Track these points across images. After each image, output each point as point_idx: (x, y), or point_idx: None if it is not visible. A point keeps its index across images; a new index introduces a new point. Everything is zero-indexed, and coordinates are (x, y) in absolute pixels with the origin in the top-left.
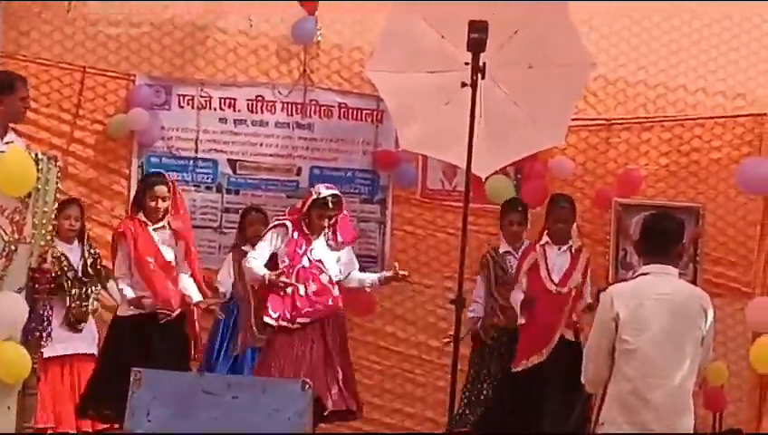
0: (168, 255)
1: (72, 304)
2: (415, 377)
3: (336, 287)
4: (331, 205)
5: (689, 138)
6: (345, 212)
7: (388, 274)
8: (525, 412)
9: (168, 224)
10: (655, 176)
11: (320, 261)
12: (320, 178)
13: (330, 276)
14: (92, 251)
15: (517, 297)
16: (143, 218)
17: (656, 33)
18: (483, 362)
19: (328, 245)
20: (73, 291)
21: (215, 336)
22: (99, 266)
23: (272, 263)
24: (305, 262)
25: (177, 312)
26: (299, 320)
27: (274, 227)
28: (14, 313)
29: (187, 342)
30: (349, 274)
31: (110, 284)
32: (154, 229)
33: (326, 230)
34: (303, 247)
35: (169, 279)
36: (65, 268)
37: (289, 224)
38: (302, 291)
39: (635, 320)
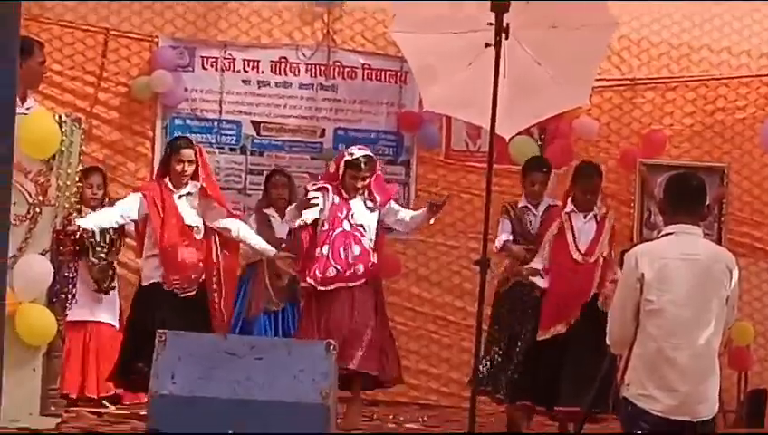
0: (190, 218)
1: (95, 270)
2: (440, 338)
3: (375, 254)
4: (364, 166)
5: (714, 97)
6: (379, 172)
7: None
8: (551, 379)
9: (196, 187)
10: (679, 136)
11: (361, 225)
12: (344, 139)
13: (370, 241)
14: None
15: (536, 267)
16: (168, 184)
17: None
18: (505, 323)
19: (367, 207)
20: (96, 256)
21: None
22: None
23: (311, 227)
24: (346, 226)
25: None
26: (337, 284)
27: (319, 189)
28: (39, 275)
29: (207, 315)
30: (405, 219)
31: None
32: (178, 197)
33: (362, 192)
34: (345, 212)
35: (188, 244)
36: (91, 233)
37: (330, 187)
38: (341, 254)
39: (660, 280)
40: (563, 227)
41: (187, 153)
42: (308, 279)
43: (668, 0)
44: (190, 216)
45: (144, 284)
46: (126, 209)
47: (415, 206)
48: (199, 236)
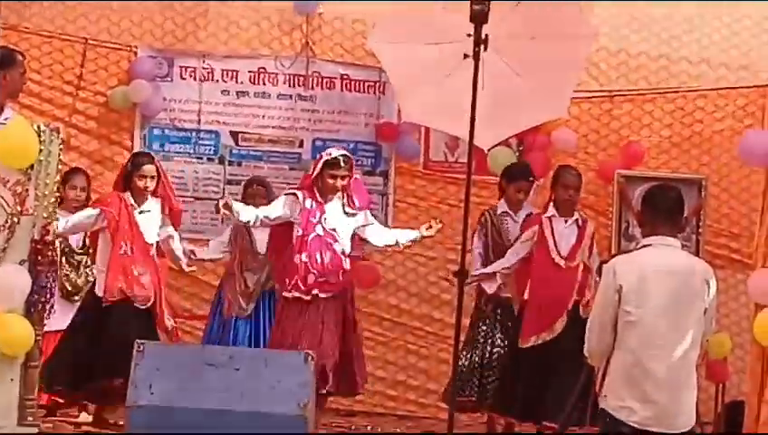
0: (150, 236)
1: (64, 276)
2: (418, 349)
3: (347, 261)
4: (342, 163)
5: (692, 109)
6: (357, 176)
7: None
8: (532, 387)
9: (157, 204)
10: (657, 147)
11: (334, 230)
12: (322, 149)
13: (343, 248)
14: None
15: (511, 260)
16: (130, 201)
17: (658, 3)
18: (485, 331)
19: (345, 212)
20: (66, 262)
21: (213, 304)
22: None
23: (282, 229)
24: (319, 230)
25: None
26: (312, 292)
27: (286, 195)
28: (17, 285)
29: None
30: (379, 235)
31: None
32: (140, 213)
33: (341, 195)
34: (318, 216)
35: (141, 263)
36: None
37: (300, 193)
38: (317, 260)
39: (637, 291)
40: (543, 232)
41: (150, 169)
42: (292, 292)
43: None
44: (150, 233)
45: (100, 296)
46: (86, 219)
47: (393, 216)
48: (153, 253)
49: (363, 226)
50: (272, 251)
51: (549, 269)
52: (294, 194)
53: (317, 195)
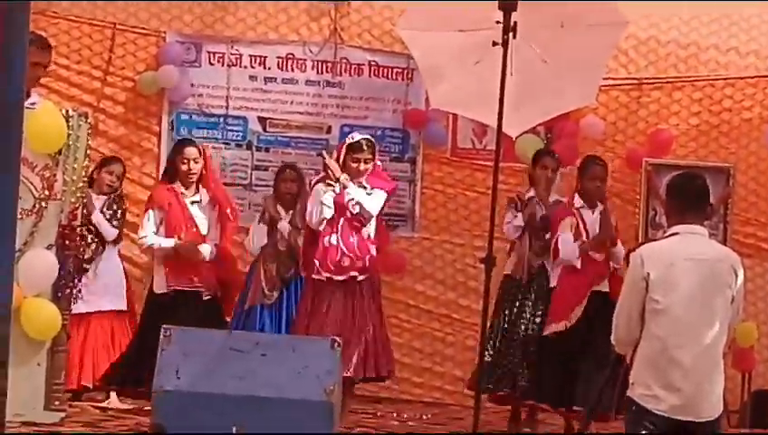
0: (203, 227)
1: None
2: (444, 336)
3: (374, 247)
4: (365, 147)
5: (720, 97)
6: (379, 164)
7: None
8: (558, 377)
9: (204, 193)
10: (685, 136)
11: (360, 214)
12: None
13: (369, 233)
14: (116, 209)
15: (567, 248)
16: (179, 188)
17: None
18: (506, 320)
19: (366, 193)
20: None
21: (241, 294)
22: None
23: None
24: (348, 214)
25: (209, 295)
26: (351, 272)
27: (315, 183)
28: (44, 269)
29: (222, 318)
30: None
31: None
32: (191, 202)
33: (364, 178)
34: (345, 200)
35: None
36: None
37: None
38: (352, 241)
39: (665, 280)
40: (577, 224)
41: (191, 151)
42: (324, 273)
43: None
44: (203, 224)
45: (157, 291)
46: (153, 226)
47: (421, 203)
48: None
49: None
50: (306, 241)
51: (581, 260)
52: (321, 181)
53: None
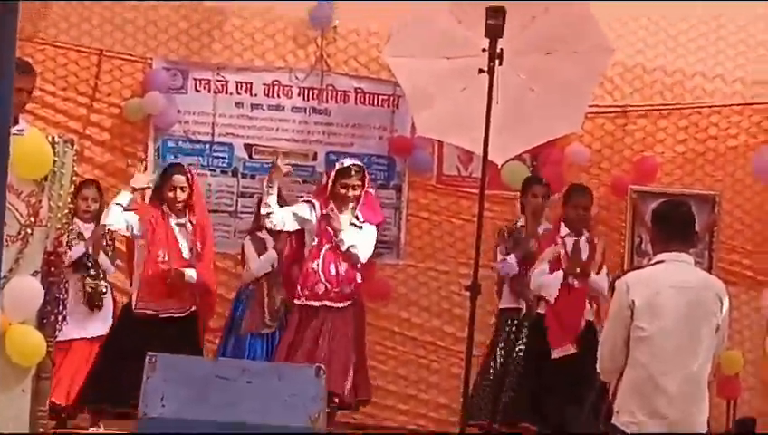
0: (185, 250)
1: (87, 284)
2: (429, 363)
3: (359, 274)
4: (354, 173)
5: (706, 125)
6: (371, 192)
7: None
8: (545, 402)
9: (189, 219)
10: (671, 163)
11: (343, 241)
12: (335, 163)
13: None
14: (108, 241)
15: (540, 279)
16: (166, 210)
17: (674, 18)
18: (503, 353)
19: (352, 224)
20: (90, 271)
21: (228, 320)
22: (108, 247)
23: (298, 238)
24: (333, 241)
25: (188, 311)
26: (324, 301)
27: (303, 201)
28: (29, 296)
29: (198, 339)
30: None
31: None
32: (177, 224)
33: (352, 205)
34: (341, 232)
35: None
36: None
37: (316, 202)
38: (330, 270)
39: (650, 307)
40: (562, 251)
41: (179, 179)
42: (303, 299)
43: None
44: (185, 247)
45: (133, 308)
46: (131, 220)
47: (406, 230)
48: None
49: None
50: (287, 259)
51: (562, 288)
52: (310, 202)
53: (331, 204)
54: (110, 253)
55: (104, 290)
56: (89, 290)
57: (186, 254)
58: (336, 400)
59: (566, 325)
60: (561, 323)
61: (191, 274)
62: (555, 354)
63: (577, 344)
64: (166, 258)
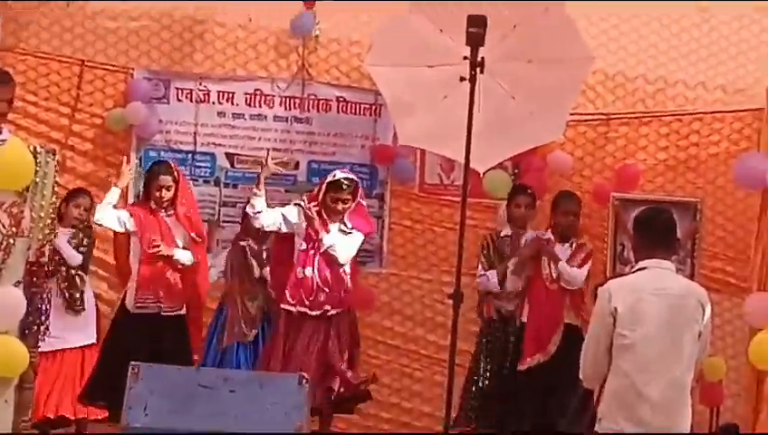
0: (179, 239)
1: (66, 291)
2: (412, 372)
3: (348, 279)
4: (344, 187)
5: (687, 133)
6: (363, 202)
7: None
8: (529, 407)
9: (175, 212)
10: (653, 171)
11: (331, 248)
12: (317, 172)
13: (344, 267)
14: (82, 238)
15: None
16: (154, 206)
17: (655, 26)
18: (484, 358)
19: (340, 229)
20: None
21: (210, 331)
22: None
23: (286, 244)
24: (322, 248)
25: (177, 311)
26: (325, 307)
27: (294, 204)
28: (11, 306)
29: (188, 338)
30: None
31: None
32: (166, 216)
33: (342, 217)
34: (322, 231)
35: (172, 267)
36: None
37: (305, 206)
38: (326, 276)
39: (632, 315)
40: (540, 255)
41: (165, 180)
42: (296, 307)
43: None
44: (179, 235)
45: (129, 307)
46: (122, 217)
47: (388, 239)
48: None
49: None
50: (275, 263)
51: (541, 292)
52: (299, 205)
53: (323, 214)
54: (81, 249)
55: (82, 289)
56: (66, 295)
57: (180, 243)
58: (341, 389)
59: (542, 330)
60: (537, 329)
61: (183, 255)
62: (520, 366)
63: (559, 349)
64: (161, 247)
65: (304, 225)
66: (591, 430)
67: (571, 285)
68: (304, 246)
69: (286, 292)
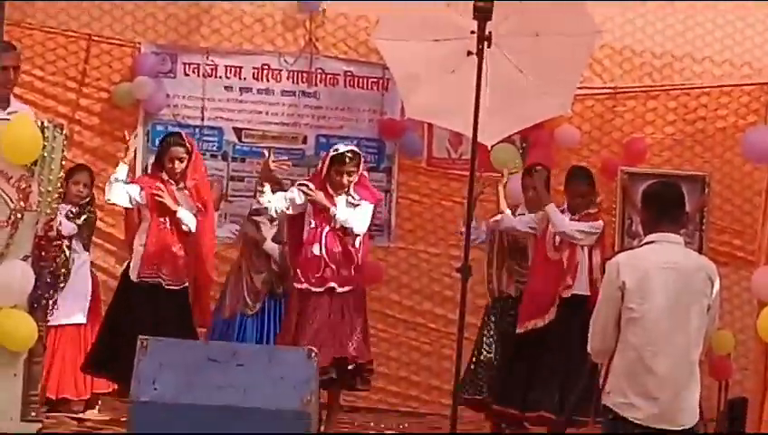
0: (188, 210)
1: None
2: (420, 345)
3: (359, 257)
4: (348, 160)
5: (695, 106)
6: (365, 174)
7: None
8: (533, 383)
9: (185, 185)
10: (661, 144)
11: (344, 224)
12: (325, 146)
13: (354, 242)
14: (81, 210)
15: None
16: (166, 178)
17: (663, 2)
18: (488, 330)
19: (348, 204)
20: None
21: (218, 305)
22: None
23: (296, 224)
24: (332, 224)
25: (182, 285)
26: (331, 283)
27: (297, 186)
28: (20, 280)
29: (190, 312)
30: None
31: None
32: (177, 189)
33: (347, 190)
34: (333, 209)
35: (180, 241)
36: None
37: (311, 185)
38: (334, 253)
39: (640, 288)
40: (548, 225)
41: (177, 151)
42: (305, 284)
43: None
44: (188, 207)
45: (133, 277)
46: (132, 192)
47: (396, 213)
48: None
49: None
50: (291, 243)
51: (541, 261)
52: (306, 185)
53: (328, 189)
54: (78, 221)
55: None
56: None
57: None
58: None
59: (540, 297)
60: (535, 295)
61: (186, 216)
62: (518, 330)
63: (557, 317)
64: (168, 224)
65: (309, 204)
66: (599, 404)
67: (557, 229)
68: (313, 223)
69: (297, 271)
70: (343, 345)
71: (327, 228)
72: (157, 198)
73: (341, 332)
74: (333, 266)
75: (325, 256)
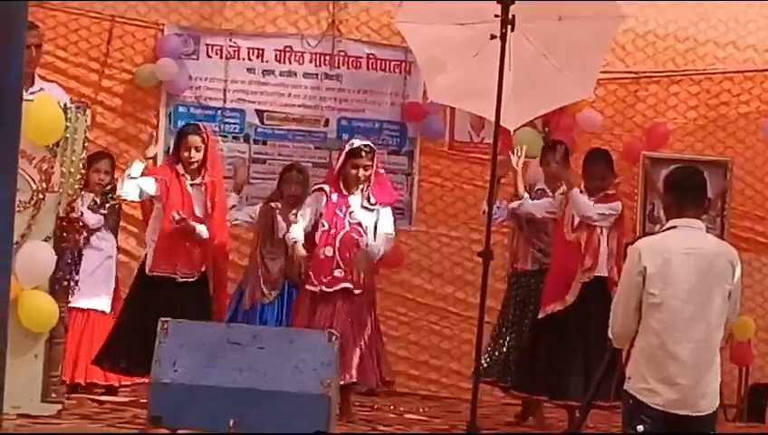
0: (199, 209)
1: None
2: (441, 329)
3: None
4: (364, 154)
5: (718, 91)
6: (382, 172)
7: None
8: (555, 367)
9: (201, 180)
10: (683, 129)
11: (359, 224)
12: (347, 129)
13: (368, 242)
14: (104, 200)
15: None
16: (181, 171)
17: None
18: (508, 313)
19: (363, 207)
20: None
21: (235, 295)
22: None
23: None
24: (347, 225)
25: (197, 275)
26: (342, 284)
27: (314, 191)
28: (41, 261)
29: (209, 303)
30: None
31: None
32: (191, 184)
33: (363, 187)
34: (344, 209)
35: (192, 235)
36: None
37: (327, 187)
38: (346, 255)
39: (662, 274)
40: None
41: (194, 140)
42: (318, 286)
43: None
44: (200, 206)
45: (147, 271)
46: (144, 185)
47: (418, 196)
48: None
49: (375, 222)
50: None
51: (560, 242)
52: (321, 189)
53: (342, 188)
54: (102, 211)
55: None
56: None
57: (199, 213)
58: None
59: (560, 279)
60: (554, 279)
61: (201, 229)
62: (540, 315)
63: (579, 300)
64: (186, 222)
65: (324, 204)
66: (620, 390)
67: (582, 213)
68: (326, 226)
69: (310, 273)
70: (367, 374)
71: (343, 230)
72: (182, 223)
73: (366, 353)
74: (345, 268)
75: (338, 258)
